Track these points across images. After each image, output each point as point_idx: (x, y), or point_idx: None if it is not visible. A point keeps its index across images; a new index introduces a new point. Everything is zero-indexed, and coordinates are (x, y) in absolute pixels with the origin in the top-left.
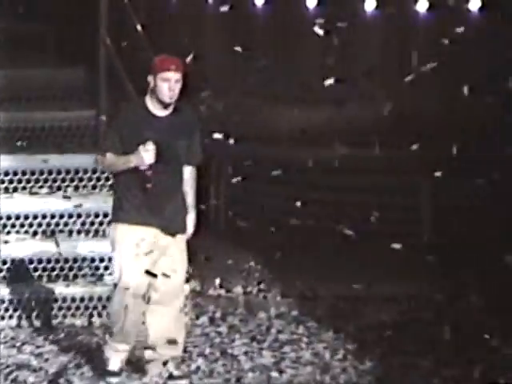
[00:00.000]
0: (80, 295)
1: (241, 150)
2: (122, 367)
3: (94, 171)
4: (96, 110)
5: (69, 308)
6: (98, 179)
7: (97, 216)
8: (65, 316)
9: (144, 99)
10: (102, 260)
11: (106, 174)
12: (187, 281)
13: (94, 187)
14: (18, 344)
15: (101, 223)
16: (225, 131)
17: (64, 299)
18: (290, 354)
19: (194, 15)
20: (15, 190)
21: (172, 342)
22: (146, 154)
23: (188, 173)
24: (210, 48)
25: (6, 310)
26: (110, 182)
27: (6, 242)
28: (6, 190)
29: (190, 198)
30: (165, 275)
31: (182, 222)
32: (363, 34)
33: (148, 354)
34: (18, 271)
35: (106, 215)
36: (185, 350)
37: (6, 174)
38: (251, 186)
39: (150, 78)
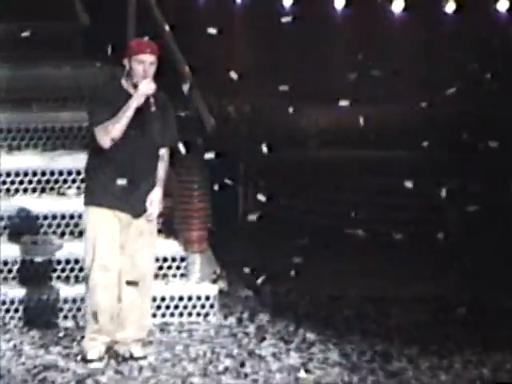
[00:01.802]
0: None
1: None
2: (101, 355)
3: None
4: None
5: None
6: None
7: None
8: None
9: (120, 82)
10: None
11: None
12: (215, 281)
13: None
14: (45, 345)
15: None
16: (253, 132)
17: None
18: (318, 355)
19: (221, 15)
20: (43, 190)
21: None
22: (145, 83)
23: (161, 153)
24: (238, 48)
25: (34, 310)
26: None
27: (33, 242)
28: (34, 190)
29: (160, 173)
30: (129, 283)
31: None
32: (393, 33)
33: (118, 336)
34: (46, 272)
35: None
36: (212, 351)
37: (34, 174)
38: (279, 186)
39: (125, 61)
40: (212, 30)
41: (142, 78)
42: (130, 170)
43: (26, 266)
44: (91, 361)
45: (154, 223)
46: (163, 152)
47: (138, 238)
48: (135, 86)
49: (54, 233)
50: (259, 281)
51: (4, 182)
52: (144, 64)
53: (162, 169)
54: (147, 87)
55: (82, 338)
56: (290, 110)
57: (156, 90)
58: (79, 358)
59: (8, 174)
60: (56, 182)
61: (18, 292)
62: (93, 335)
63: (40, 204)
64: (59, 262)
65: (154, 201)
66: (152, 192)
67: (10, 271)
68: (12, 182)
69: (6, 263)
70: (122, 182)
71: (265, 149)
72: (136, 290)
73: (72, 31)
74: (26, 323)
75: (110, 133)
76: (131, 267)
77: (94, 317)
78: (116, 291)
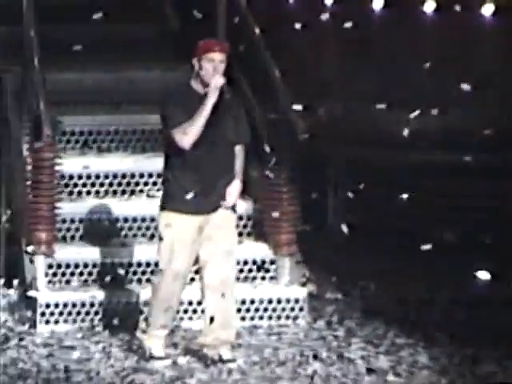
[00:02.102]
0: (197, 299)
1: (357, 154)
2: (165, 353)
3: None
4: None
5: (185, 311)
6: None
7: None
8: (181, 319)
9: (189, 82)
10: None
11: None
12: (304, 284)
13: None
14: (134, 347)
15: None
16: (342, 135)
17: (181, 302)
18: (407, 358)
19: (311, 17)
20: (132, 192)
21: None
22: (215, 78)
23: (237, 150)
24: (328, 53)
25: (122, 312)
26: None
27: (123, 244)
28: (124, 192)
29: (237, 169)
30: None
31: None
32: (482, 37)
33: (203, 338)
34: (136, 274)
35: None
36: (301, 354)
37: (124, 176)
38: (366, 189)
39: (194, 61)
40: (302, 33)
41: (212, 76)
42: (207, 170)
43: (114, 269)
44: (159, 358)
45: (233, 221)
46: (238, 149)
47: (217, 232)
48: (205, 86)
49: (144, 235)
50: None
51: (93, 184)
52: (214, 62)
53: (239, 165)
54: (217, 81)
55: (144, 336)
56: (381, 112)
57: (227, 90)
58: (146, 355)
59: (97, 176)
60: (145, 184)
61: (107, 294)
62: (156, 332)
63: (129, 206)
64: (148, 265)
65: (233, 192)
66: (231, 185)
67: (99, 273)
68: (101, 185)
69: (94, 265)
70: (190, 195)
71: (355, 151)
72: (219, 293)
73: (162, 34)
74: (114, 326)
75: (190, 133)
76: (211, 265)
77: (159, 315)
78: (181, 293)
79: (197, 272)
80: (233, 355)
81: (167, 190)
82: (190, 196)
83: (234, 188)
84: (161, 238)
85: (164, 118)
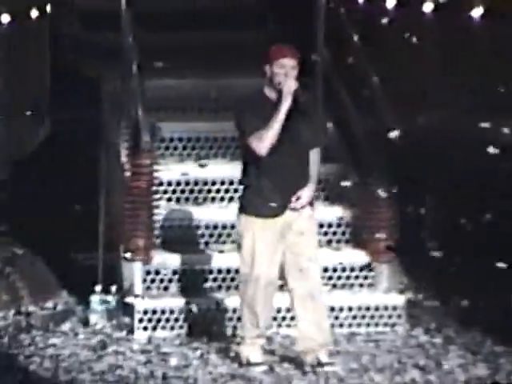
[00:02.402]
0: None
1: (455, 163)
2: (262, 359)
3: (335, 181)
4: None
5: (283, 318)
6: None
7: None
8: (279, 326)
9: (262, 89)
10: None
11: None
12: (402, 291)
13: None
14: (231, 353)
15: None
16: (440, 143)
17: (278, 309)
18: (506, 366)
19: (410, 27)
20: (231, 199)
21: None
22: (288, 82)
23: (312, 153)
24: (427, 60)
25: (223, 319)
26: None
27: (220, 251)
28: (222, 199)
29: (312, 172)
30: (297, 262)
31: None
32: None
33: (299, 345)
34: (234, 280)
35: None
36: (399, 361)
37: (222, 183)
38: (466, 196)
39: (266, 68)
40: (400, 40)
41: (284, 82)
42: (283, 174)
43: (213, 275)
44: (256, 364)
45: (315, 227)
46: (314, 152)
47: (300, 239)
48: (278, 92)
49: (233, 242)
50: None
51: (192, 191)
52: (285, 68)
53: (314, 168)
54: (290, 86)
55: (239, 343)
56: (480, 121)
57: (301, 93)
58: (243, 362)
59: (196, 183)
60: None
61: (204, 301)
62: (252, 340)
63: (227, 213)
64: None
65: (303, 195)
66: (304, 188)
67: (197, 280)
68: (200, 191)
69: (192, 272)
70: (268, 199)
71: (453, 160)
72: (308, 299)
73: (263, 41)
74: (212, 332)
75: (265, 140)
76: (297, 272)
77: (255, 323)
78: (273, 298)
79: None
80: (331, 359)
81: (245, 195)
82: (267, 201)
83: (306, 191)
84: (240, 244)
85: (239, 126)
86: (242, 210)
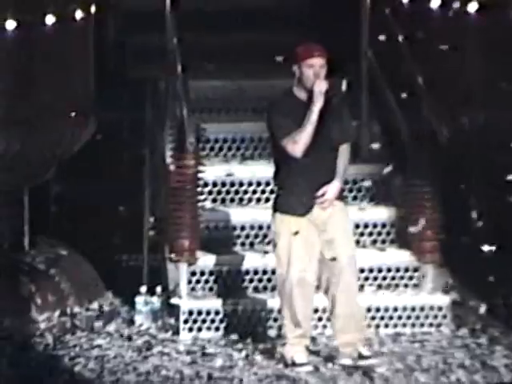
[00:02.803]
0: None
1: (499, 162)
2: (307, 359)
3: (380, 181)
4: (359, 121)
5: (329, 319)
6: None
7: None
8: (324, 327)
9: (291, 90)
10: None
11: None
12: (447, 292)
13: (381, 196)
14: (277, 354)
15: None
16: (486, 143)
17: (323, 309)
18: None
19: (456, 25)
20: (267, 199)
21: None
22: (317, 83)
23: (341, 149)
24: (471, 60)
25: (268, 319)
26: (362, 192)
27: (265, 252)
28: (267, 200)
29: (339, 168)
30: (333, 259)
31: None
32: None
33: (339, 339)
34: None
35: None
36: (444, 362)
37: (267, 183)
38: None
39: (295, 68)
40: (446, 41)
41: (314, 81)
42: (315, 174)
43: (258, 275)
44: (301, 364)
45: (350, 225)
46: (343, 148)
47: (334, 235)
48: (308, 92)
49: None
50: None
51: (237, 192)
52: (314, 67)
53: (341, 164)
54: (320, 86)
55: (283, 344)
56: None
57: (331, 93)
58: (288, 362)
59: (241, 184)
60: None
61: (249, 302)
62: (296, 340)
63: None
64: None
65: (329, 192)
66: (329, 184)
67: (242, 281)
68: (245, 192)
69: (237, 272)
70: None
71: (498, 159)
72: (346, 296)
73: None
74: (257, 333)
75: (300, 142)
76: (336, 273)
77: (296, 323)
78: (314, 296)
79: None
80: (370, 352)
81: (278, 195)
82: (300, 199)
83: (331, 188)
84: (276, 243)
85: (271, 128)
86: (276, 209)
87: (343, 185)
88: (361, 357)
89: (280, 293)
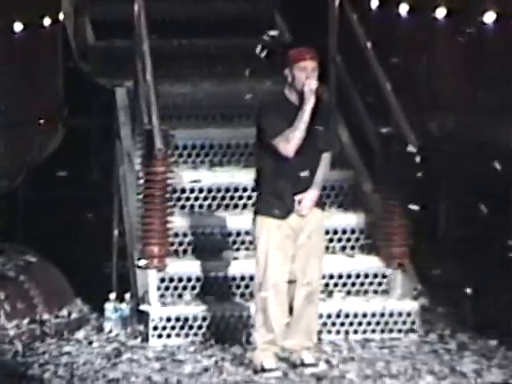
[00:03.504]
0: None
1: (469, 167)
2: (276, 365)
3: (348, 187)
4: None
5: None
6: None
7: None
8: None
9: (283, 93)
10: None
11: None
12: (416, 297)
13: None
14: (246, 360)
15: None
16: (454, 147)
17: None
18: None
19: (423, 32)
20: (245, 206)
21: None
22: (308, 82)
23: (323, 157)
24: (440, 65)
25: (230, 326)
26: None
27: (234, 258)
28: (236, 206)
29: (318, 176)
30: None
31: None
32: None
33: (286, 342)
34: (248, 287)
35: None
36: (413, 367)
37: (236, 190)
38: (482, 202)
39: (287, 71)
40: (413, 46)
41: (306, 86)
42: (298, 176)
43: (227, 282)
44: (270, 370)
45: (323, 232)
46: (325, 156)
47: (307, 242)
48: (299, 95)
49: (247, 249)
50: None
51: (205, 198)
52: (306, 70)
53: (320, 172)
54: (311, 85)
55: (253, 349)
56: (495, 125)
57: (323, 94)
58: (257, 368)
59: (209, 190)
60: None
61: (219, 308)
62: (266, 345)
63: (241, 220)
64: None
65: (305, 199)
66: (306, 192)
67: (211, 287)
68: (213, 198)
69: (206, 279)
70: (304, 174)
71: (467, 164)
72: (307, 301)
73: (274, 47)
74: (226, 339)
75: (293, 140)
76: (300, 273)
77: (268, 328)
78: (287, 303)
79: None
80: (315, 359)
81: (261, 197)
82: (283, 201)
83: (308, 196)
84: (256, 246)
85: (261, 129)
86: (258, 211)
87: (322, 191)
88: (303, 364)
89: (255, 296)
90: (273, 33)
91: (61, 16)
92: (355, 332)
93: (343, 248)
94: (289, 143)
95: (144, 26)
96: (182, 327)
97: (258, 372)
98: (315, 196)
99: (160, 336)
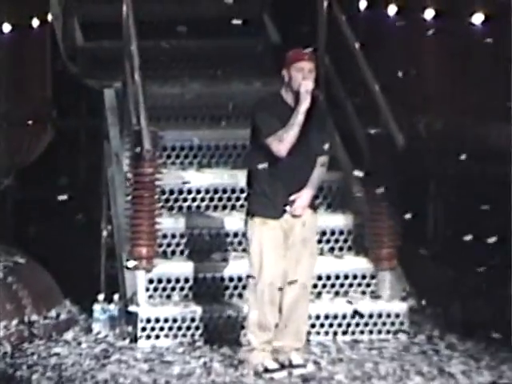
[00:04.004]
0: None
1: (457, 167)
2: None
3: (336, 188)
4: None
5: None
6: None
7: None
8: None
9: (280, 94)
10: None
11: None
12: (404, 299)
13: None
14: (235, 361)
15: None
16: (443, 149)
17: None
18: (508, 373)
19: (411, 34)
20: (233, 207)
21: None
22: (304, 83)
23: (320, 159)
24: (428, 67)
25: (221, 327)
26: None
27: (223, 259)
28: (225, 207)
29: (313, 177)
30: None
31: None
32: None
33: (275, 342)
34: (237, 288)
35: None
36: (402, 369)
37: (224, 191)
38: (467, 203)
39: (284, 72)
40: (400, 47)
41: (303, 87)
42: (292, 177)
43: (215, 283)
44: (274, 370)
45: (315, 233)
46: (322, 159)
47: (299, 244)
48: (296, 95)
49: (244, 250)
50: None
51: (194, 199)
52: (303, 71)
53: (316, 173)
54: (307, 86)
55: (250, 350)
56: (482, 126)
57: (318, 96)
58: (258, 369)
59: (198, 192)
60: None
61: (208, 309)
62: (263, 346)
63: (229, 221)
64: (240, 279)
65: (299, 199)
66: (300, 193)
67: (200, 288)
68: (202, 200)
69: (195, 280)
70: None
71: (455, 165)
72: (297, 301)
73: (263, 49)
74: (215, 340)
75: (286, 140)
76: (291, 274)
77: (263, 328)
78: (277, 304)
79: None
80: (303, 360)
81: (253, 198)
82: (275, 202)
83: (303, 195)
84: (249, 247)
85: (255, 127)
86: (250, 212)
87: (316, 192)
88: (291, 365)
89: (250, 297)
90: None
91: (49, 17)
92: (344, 333)
93: (332, 249)
94: (282, 143)
95: (132, 27)
96: (170, 328)
97: (260, 373)
98: (309, 196)
99: (149, 337)
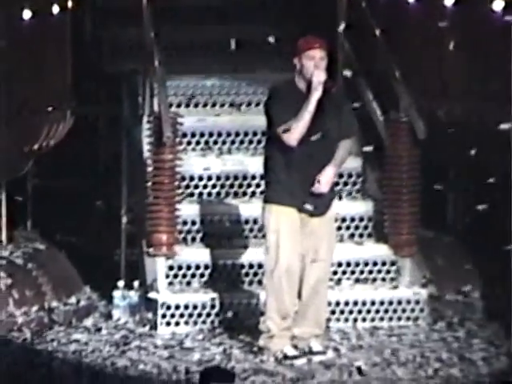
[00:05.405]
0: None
1: (477, 156)
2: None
3: (356, 175)
4: None
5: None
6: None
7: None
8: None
9: (293, 82)
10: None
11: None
12: (424, 285)
13: (358, 191)
14: (255, 348)
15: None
16: (462, 136)
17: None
18: None
19: (431, 18)
20: (253, 194)
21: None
22: (316, 73)
23: (343, 143)
24: (448, 53)
25: (240, 314)
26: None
27: (243, 246)
28: (245, 194)
29: (337, 156)
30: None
31: (329, 203)
32: None
33: (295, 329)
34: (257, 275)
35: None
36: (422, 355)
37: (245, 177)
38: (489, 192)
39: (296, 60)
40: (422, 33)
41: (315, 75)
42: (309, 165)
43: (235, 270)
44: (294, 357)
45: (333, 220)
46: (346, 142)
47: (318, 232)
48: (308, 84)
49: (264, 236)
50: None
51: (214, 186)
52: (315, 59)
53: (339, 153)
54: (320, 76)
55: (270, 337)
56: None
57: (331, 85)
58: (278, 356)
59: (218, 178)
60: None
61: (227, 296)
62: (283, 332)
63: (250, 208)
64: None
65: (323, 175)
66: (324, 170)
67: (220, 275)
68: (222, 186)
69: (215, 267)
70: (309, 207)
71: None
72: (315, 289)
73: (283, 36)
74: (235, 327)
75: (296, 130)
76: (311, 265)
77: (282, 315)
78: (295, 292)
79: None
80: (323, 347)
81: (270, 186)
82: (292, 190)
83: (325, 174)
84: (266, 234)
85: (269, 117)
86: (267, 200)
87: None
88: (311, 352)
89: (267, 284)
90: None
91: (69, 3)
92: (363, 320)
93: (352, 236)
94: (291, 133)
95: (152, 14)
96: (190, 315)
97: (280, 360)
98: (333, 173)
99: (168, 324)
